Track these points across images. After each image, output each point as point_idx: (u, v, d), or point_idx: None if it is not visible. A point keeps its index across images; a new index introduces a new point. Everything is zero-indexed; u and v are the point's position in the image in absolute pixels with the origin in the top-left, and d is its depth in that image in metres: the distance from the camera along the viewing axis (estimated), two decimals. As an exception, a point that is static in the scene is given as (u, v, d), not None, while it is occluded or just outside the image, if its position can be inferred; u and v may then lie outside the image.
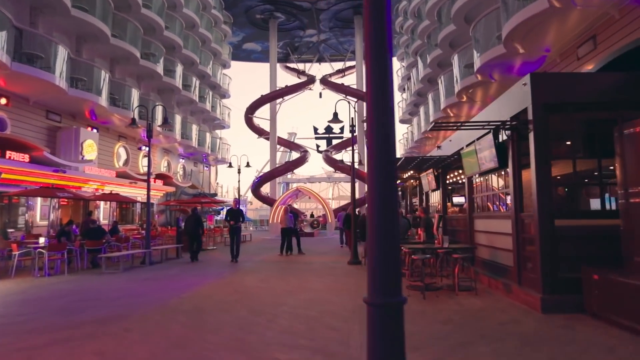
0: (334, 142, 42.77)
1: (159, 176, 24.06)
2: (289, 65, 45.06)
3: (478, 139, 9.02)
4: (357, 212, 18.03)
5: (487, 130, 8.41)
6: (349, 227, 17.47)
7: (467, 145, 10.06)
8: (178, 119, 26.15)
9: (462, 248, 8.59)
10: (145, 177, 22.03)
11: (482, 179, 9.81)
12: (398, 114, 35.10)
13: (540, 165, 6.60)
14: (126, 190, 20.84)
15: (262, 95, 36.38)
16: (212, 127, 34.23)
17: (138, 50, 21.46)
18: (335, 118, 13.57)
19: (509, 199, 8.48)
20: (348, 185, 65.66)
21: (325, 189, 61.74)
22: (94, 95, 17.69)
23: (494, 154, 8.02)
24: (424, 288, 7.68)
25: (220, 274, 11.06)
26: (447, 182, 13.59)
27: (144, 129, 14.87)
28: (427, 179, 14.09)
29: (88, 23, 17.49)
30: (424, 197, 16.30)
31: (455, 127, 8.53)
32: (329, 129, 45.06)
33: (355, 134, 13.58)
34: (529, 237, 7.20)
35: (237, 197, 18.85)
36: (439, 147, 12.97)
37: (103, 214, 20.78)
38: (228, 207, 17.74)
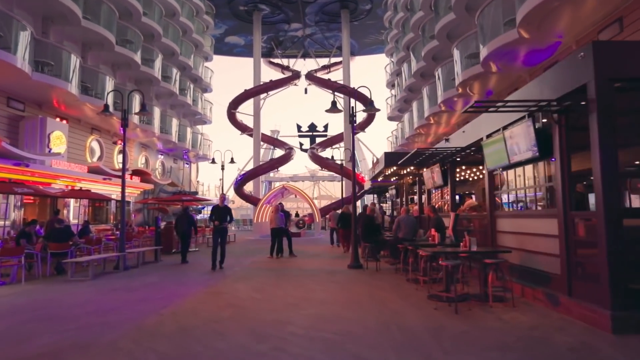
0: (318, 140, 41.46)
1: (136, 172, 22.28)
2: (272, 60, 43.54)
3: (507, 126, 7.83)
4: (347, 210, 16.80)
5: (521, 116, 7.22)
6: (343, 227, 16.18)
7: (488, 136, 8.87)
8: (157, 111, 24.39)
9: (492, 252, 7.35)
10: (121, 173, 20.28)
11: (507, 172, 8.61)
12: (386, 111, 34.01)
13: (607, 153, 5.39)
14: (100, 188, 19.06)
15: (245, 90, 34.79)
16: (193, 122, 32.47)
17: (113, 35, 19.68)
18: (334, 107, 12.23)
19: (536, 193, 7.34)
20: (330, 185, 64.50)
21: (307, 188, 60.39)
22: (62, 82, 15.89)
23: (532, 142, 6.81)
24: (455, 299, 6.40)
25: (206, 281, 9.58)
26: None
27: (120, 121, 13.25)
28: (431, 174, 12.88)
29: (56, 1, 15.68)
30: (425, 195, 15.12)
31: (494, 109, 7.23)
32: (312, 127, 43.71)
33: (354, 124, 12.22)
34: (584, 239, 6.01)
35: (223, 193, 17.13)
36: (446, 139, 11.75)
37: (73, 213, 18.93)
38: (213, 205, 16.18)
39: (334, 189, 62.09)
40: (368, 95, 26.04)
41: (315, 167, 63.57)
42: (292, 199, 50.11)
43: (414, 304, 6.92)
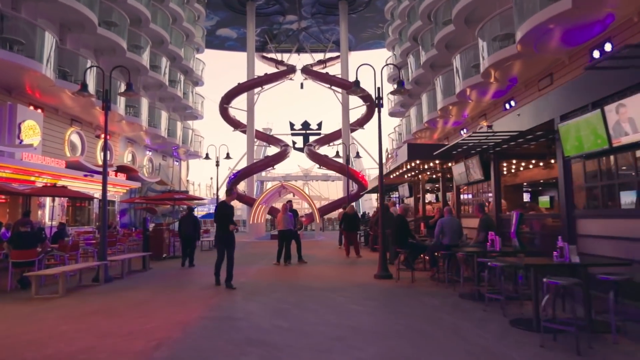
0: (311, 138, 39.50)
1: (121, 169, 20.05)
2: (266, 55, 41.44)
3: (608, 98, 5.99)
4: (351, 211, 14.88)
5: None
6: (347, 229, 14.29)
7: (563, 117, 7.03)
8: (145, 103, 22.16)
9: (606, 264, 5.48)
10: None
11: (593, 161, 6.76)
12: (387, 106, 32.21)
13: None
14: (80, 185, 16.83)
15: (239, 84, 32.63)
16: (183, 117, 30.22)
17: (95, 15, 17.46)
18: (357, 86, 10.28)
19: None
20: (323, 184, 62.48)
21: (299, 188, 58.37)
22: (35, 63, 13.67)
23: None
24: (578, 330, 4.48)
25: (209, 299, 7.54)
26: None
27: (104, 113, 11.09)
28: (466, 168, 11.04)
29: (27, -31, 13.48)
30: (453, 192, 13.29)
31: None
32: (305, 125, 41.67)
33: (379, 104, 10.28)
34: None
35: (231, 189, 14.63)
36: (489, 126, 9.90)
37: (50, 213, 16.65)
38: (217, 204, 13.71)
39: (328, 189, 60.27)
40: (367, 90, 24.28)
41: (309, 166, 61.90)
42: (286, 200, 48.22)
43: (501, 335, 5.01)
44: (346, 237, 14.37)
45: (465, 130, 21.09)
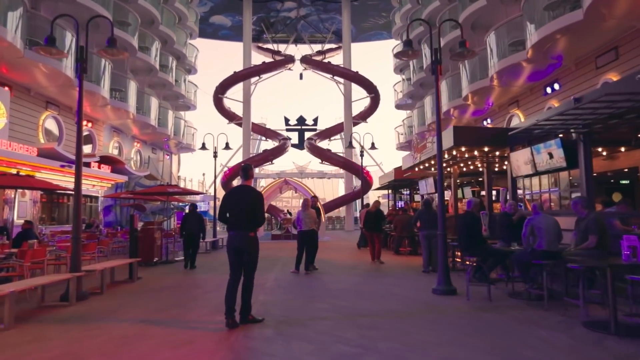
0: (307, 135, 37.12)
1: (105, 160, 17.42)
2: (261, 45, 38.88)
3: None
4: (374, 208, 12.57)
5: None
6: (371, 229, 11.98)
7: None
8: (133, 87, 19.54)
9: None
10: (86, 160, 15.41)
11: None
12: (394, 98, 29.97)
13: None
14: (56, 178, 14.21)
15: (235, 72, 30.09)
16: (175, 107, 27.53)
17: (75, -20, 14.85)
18: (408, 45, 7.90)
19: None
20: (316, 182, 60.30)
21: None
22: (-2, 26, 11.06)
23: None
24: None
25: (227, 335, 5.12)
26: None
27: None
28: (540, 153, 8.79)
29: None
30: (505, 186, 11.03)
31: None
32: (301, 120, 39.24)
33: (435, 68, 7.96)
34: None
35: (249, 167, 11.81)
36: (576, 99, 7.63)
37: (19, 210, 13.98)
38: (225, 193, 10.98)
39: (324, 188, 57.86)
40: (369, 80, 21.82)
41: (304, 163, 59.49)
42: (285, 197, 45.67)
43: None
44: (370, 238, 12.02)
45: (489, 120, 18.97)
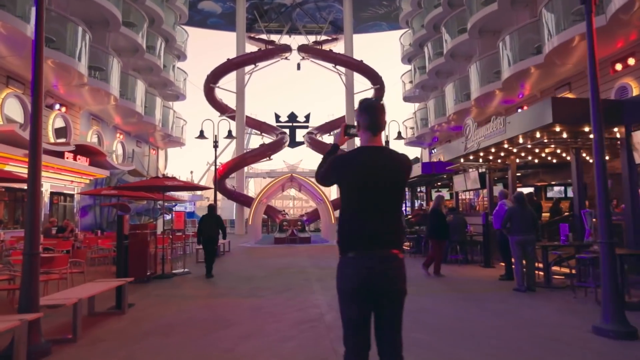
0: (299, 132, 34.34)
1: (82, 150, 14.29)
2: (254, 35, 35.87)
3: None
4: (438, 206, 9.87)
5: None
6: (441, 236, 9.33)
7: None
8: (115, 65, 16.43)
9: None
10: (58, 149, 12.36)
11: None
12: (402, 89, 27.46)
13: None
14: (17, 169, 11.10)
15: (228, 59, 27.06)
16: (163, 95, 24.34)
17: None
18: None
19: None
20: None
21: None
22: None
23: None
24: None
25: None
26: None
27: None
28: None
29: None
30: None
31: None
32: (292, 117, 36.42)
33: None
34: None
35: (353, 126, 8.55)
36: None
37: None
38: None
39: (316, 188, 55.03)
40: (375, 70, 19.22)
41: (295, 162, 56.53)
42: (284, 196, 42.66)
43: None
44: (434, 247, 9.30)
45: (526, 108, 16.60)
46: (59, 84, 13.99)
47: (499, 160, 12.00)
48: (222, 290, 7.74)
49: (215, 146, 14.84)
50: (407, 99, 27.05)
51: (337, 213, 26.58)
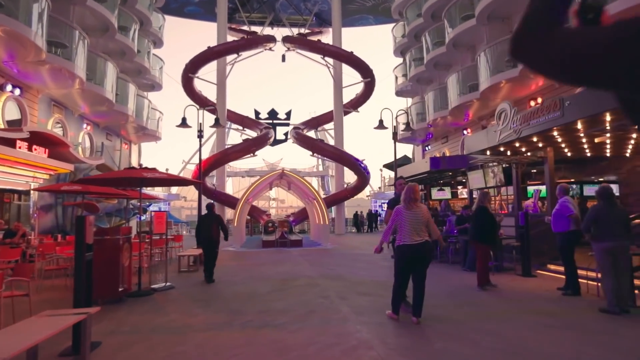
0: (280, 129, 32.35)
1: (39, 139, 11.92)
2: (234, 27, 33.62)
3: None
4: (482, 203, 8.17)
5: None
6: (488, 239, 7.66)
7: None
8: (81, 43, 14.07)
9: None
10: (8, 136, 10.09)
11: None
12: (394, 83, 25.88)
13: None
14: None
15: (208, 47, 24.83)
16: (137, 84, 21.85)
17: None
18: None
19: None
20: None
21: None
22: None
23: None
24: None
25: None
26: None
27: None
28: None
29: None
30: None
31: None
32: (272, 114, 34.40)
33: None
34: None
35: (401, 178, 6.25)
36: None
37: None
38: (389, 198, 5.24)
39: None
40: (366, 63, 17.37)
41: (275, 160, 54.38)
42: (262, 197, 40.44)
43: None
44: (480, 252, 7.57)
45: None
46: (10, 60, 11.60)
47: (528, 153, 10.47)
48: (223, 317, 5.76)
49: (200, 136, 12.74)
50: (399, 93, 25.50)
51: (332, 213, 24.93)
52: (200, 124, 12.74)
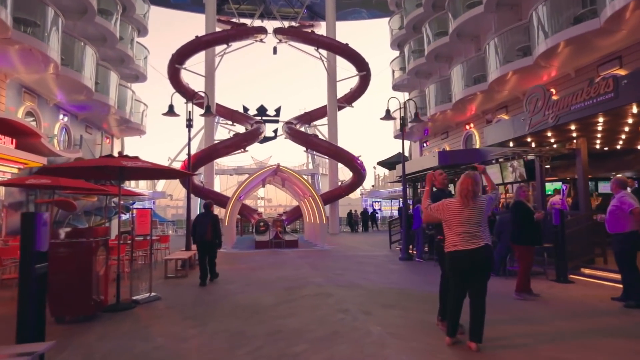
0: (269, 127, 31.00)
1: (5, 127, 10.42)
2: (223, 19, 32.11)
3: None
4: (523, 197, 7.02)
5: None
6: (532, 240, 6.52)
7: None
8: (55, 20, 12.56)
9: None
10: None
11: None
12: (391, 77, 24.77)
13: None
14: None
15: (196, 37, 23.37)
16: (120, 74, 20.21)
17: None
18: None
19: None
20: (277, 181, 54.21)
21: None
22: None
23: None
24: None
25: None
26: None
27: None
28: None
29: None
30: None
31: None
32: (262, 110, 33.01)
33: None
34: None
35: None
36: None
37: None
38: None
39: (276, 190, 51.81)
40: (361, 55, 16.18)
41: (264, 158, 52.87)
42: (253, 196, 39.04)
43: None
44: (522, 255, 6.43)
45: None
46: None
47: (555, 146, 9.41)
48: (224, 341, 4.49)
49: (189, 125, 11.37)
50: (396, 87, 24.40)
51: (327, 211, 23.65)
52: (190, 112, 11.39)
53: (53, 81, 13.83)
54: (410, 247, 12.10)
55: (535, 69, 13.48)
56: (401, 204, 13.89)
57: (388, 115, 12.05)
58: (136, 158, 6.18)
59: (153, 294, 6.85)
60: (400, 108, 12.61)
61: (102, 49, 17.99)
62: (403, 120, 12.10)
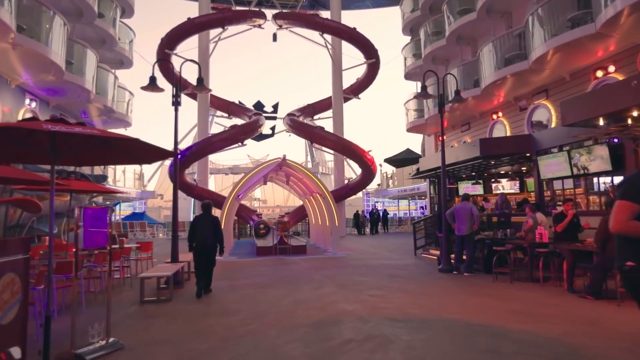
0: (266, 123, 28.48)
1: None
2: (218, 6, 29.52)
3: None
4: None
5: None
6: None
7: None
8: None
9: None
10: None
11: None
12: (403, 65, 22.33)
13: None
14: None
15: (189, 19, 20.83)
16: (102, 57, 17.50)
17: None
18: None
19: None
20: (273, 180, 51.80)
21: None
22: None
23: None
24: None
25: None
26: None
27: None
28: None
29: None
30: None
31: None
32: (258, 106, 30.48)
33: None
34: None
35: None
36: None
37: None
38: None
39: (283, 189, 49.35)
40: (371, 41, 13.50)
41: (260, 156, 50.27)
42: (248, 197, 36.49)
43: None
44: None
45: None
46: None
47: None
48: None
49: (176, 102, 8.82)
50: (409, 76, 21.96)
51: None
52: (177, 86, 8.85)
53: (13, 55, 11.21)
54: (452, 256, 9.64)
55: (594, 40, 11.08)
56: (424, 204, 11.50)
57: (425, 93, 9.58)
58: (76, 124, 3.67)
59: (111, 340, 4.32)
60: (437, 83, 10.13)
61: (80, 26, 15.41)
62: (441, 99, 9.64)
